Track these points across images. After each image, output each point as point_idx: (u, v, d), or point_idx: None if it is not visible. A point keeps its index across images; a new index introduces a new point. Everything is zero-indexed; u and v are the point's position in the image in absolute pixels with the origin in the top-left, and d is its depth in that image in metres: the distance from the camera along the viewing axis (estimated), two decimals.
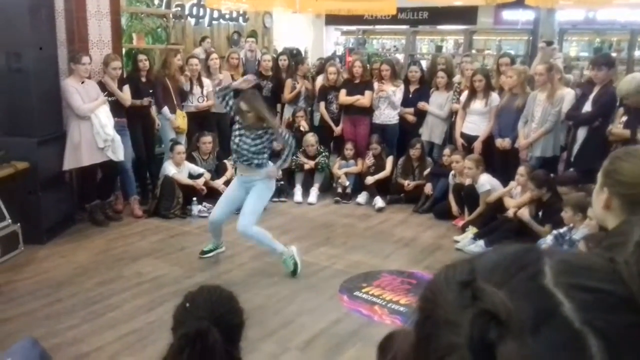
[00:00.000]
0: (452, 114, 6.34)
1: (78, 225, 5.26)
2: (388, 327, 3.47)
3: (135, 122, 5.69)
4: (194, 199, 5.71)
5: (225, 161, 6.23)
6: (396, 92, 6.40)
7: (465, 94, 6.00)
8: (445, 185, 5.95)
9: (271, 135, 4.12)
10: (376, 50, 10.98)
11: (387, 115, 6.45)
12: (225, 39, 10.52)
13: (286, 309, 3.73)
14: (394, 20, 10.90)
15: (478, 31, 10.45)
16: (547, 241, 4.15)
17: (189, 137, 6.30)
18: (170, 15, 8.09)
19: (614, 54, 7.66)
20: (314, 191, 6.40)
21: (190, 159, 5.99)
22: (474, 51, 9.56)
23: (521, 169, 5.10)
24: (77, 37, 5.23)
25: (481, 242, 4.81)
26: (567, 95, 5.33)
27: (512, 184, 5.20)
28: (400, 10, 9.88)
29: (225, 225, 4.47)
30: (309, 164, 6.46)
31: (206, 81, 6.45)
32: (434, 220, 5.79)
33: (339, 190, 6.43)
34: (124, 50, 6.22)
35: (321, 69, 7.50)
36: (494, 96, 5.80)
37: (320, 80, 7.04)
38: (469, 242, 4.91)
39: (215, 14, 10.33)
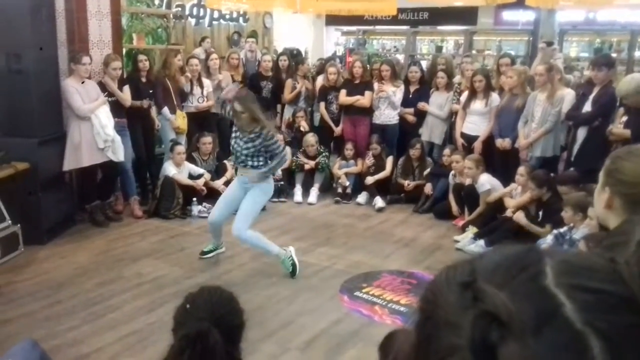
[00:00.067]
0: (452, 114, 6.34)
1: (78, 225, 5.26)
2: (389, 327, 3.46)
3: (136, 123, 5.69)
4: (194, 199, 5.71)
5: (225, 162, 6.23)
6: (396, 93, 6.40)
7: (465, 94, 6.00)
8: (445, 185, 5.95)
9: (265, 139, 4.07)
10: (376, 50, 10.99)
11: (387, 115, 6.45)
12: (225, 39, 10.52)
13: (286, 309, 3.72)
14: (394, 20, 10.90)
15: (478, 32, 10.45)
16: (548, 241, 4.15)
17: (189, 137, 6.30)
18: (171, 16, 8.09)
19: (614, 55, 7.66)
20: (314, 191, 6.40)
21: (190, 159, 5.99)
22: (474, 51, 9.56)
23: (521, 169, 5.10)
24: (78, 37, 5.23)
25: (481, 242, 4.81)
26: (567, 96, 5.34)
27: (513, 185, 5.19)
28: (401, 10, 9.87)
29: (225, 225, 4.48)
30: (309, 164, 6.46)
31: (206, 81, 6.45)
32: (434, 220, 5.79)
33: (339, 190, 6.43)
34: (124, 51, 6.22)
35: (321, 69, 7.50)
36: (494, 96, 5.80)
37: (320, 81, 7.04)
38: (469, 242, 4.91)
39: (216, 14, 10.33)
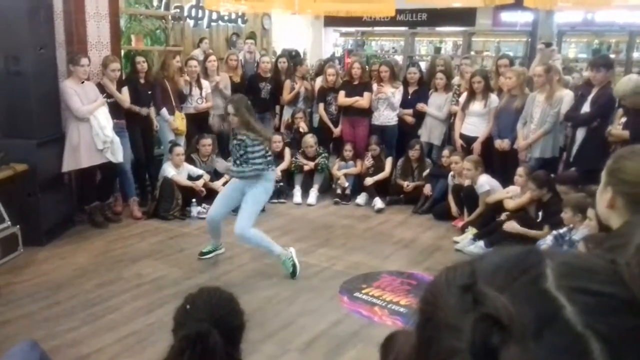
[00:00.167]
0: (451, 115, 6.35)
1: (77, 227, 5.26)
2: (388, 328, 3.47)
3: (134, 124, 5.69)
4: (193, 200, 5.71)
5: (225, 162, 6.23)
6: (395, 94, 6.41)
7: (464, 95, 6.00)
8: (445, 186, 5.95)
9: (248, 145, 4.03)
10: (375, 51, 10.99)
11: (386, 116, 6.46)
12: (224, 41, 10.52)
13: (286, 310, 3.72)
14: (392, 21, 10.90)
15: (477, 33, 10.45)
16: (547, 242, 4.15)
17: (188, 138, 6.30)
18: (169, 17, 8.08)
19: (612, 56, 7.67)
20: (314, 192, 6.40)
21: (190, 160, 5.99)
22: (472, 53, 9.56)
23: (520, 170, 5.11)
24: (76, 39, 5.23)
25: (481, 243, 4.81)
26: (566, 97, 5.34)
27: (511, 188, 5.20)
28: (399, 11, 9.87)
29: (224, 226, 4.47)
30: (308, 165, 6.46)
31: (205, 83, 6.45)
32: (434, 221, 5.79)
33: (339, 191, 6.43)
34: (122, 52, 6.21)
35: (320, 70, 7.50)
36: (493, 97, 5.81)
37: (319, 82, 7.04)
38: (468, 243, 4.91)
39: (214, 16, 10.32)
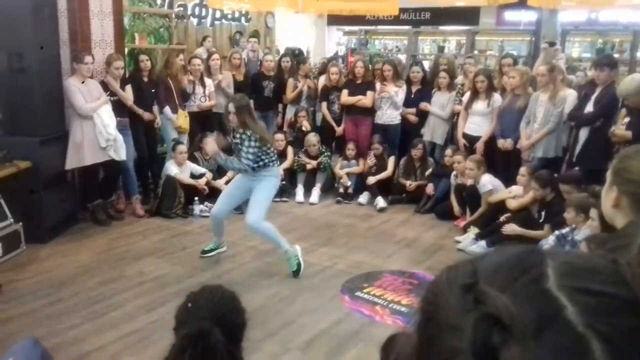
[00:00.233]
0: (454, 114, 6.34)
1: (80, 224, 5.27)
2: (389, 327, 3.47)
3: (138, 122, 5.69)
4: (196, 198, 5.72)
5: None
6: (398, 93, 6.40)
7: (467, 94, 5.99)
8: (447, 185, 5.94)
9: (250, 141, 4.03)
10: (378, 50, 10.99)
11: (389, 115, 6.45)
12: (227, 39, 10.52)
13: (287, 309, 3.73)
14: (396, 20, 10.88)
15: (480, 32, 10.44)
16: (549, 242, 4.14)
17: (191, 137, 6.30)
18: (173, 15, 8.08)
19: (616, 55, 7.65)
20: (316, 191, 6.40)
21: (192, 158, 5.99)
22: (476, 52, 9.55)
23: (522, 170, 5.10)
24: (80, 37, 5.24)
25: (483, 243, 4.80)
26: (569, 96, 5.33)
27: (513, 188, 5.19)
28: (403, 10, 9.85)
29: (227, 225, 4.48)
30: (311, 164, 6.46)
31: (208, 81, 6.46)
32: (436, 220, 5.79)
33: (341, 190, 6.43)
34: (126, 50, 6.22)
35: (323, 69, 7.50)
36: (497, 97, 5.80)
37: (322, 81, 7.04)
38: (470, 243, 4.91)
39: (218, 14, 10.33)
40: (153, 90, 5.86)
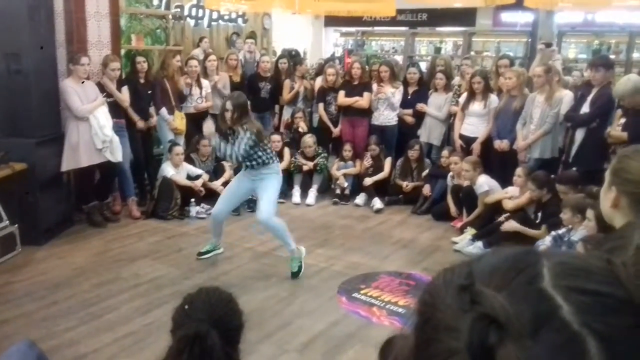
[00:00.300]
0: (451, 115, 6.35)
1: (76, 226, 5.26)
2: (386, 328, 3.47)
3: (134, 123, 5.68)
4: (192, 200, 5.71)
5: (223, 162, 6.22)
6: (395, 94, 6.41)
7: (464, 95, 6.00)
8: (444, 186, 5.95)
9: (246, 135, 4.03)
10: (375, 51, 10.99)
11: (386, 116, 6.46)
12: (224, 40, 10.51)
13: (285, 310, 3.72)
14: (393, 21, 10.90)
15: (477, 33, 10.45)
16: (546, 242, 4.15)
17: (187, 138, 6.30)
18: (170, 16, 8.08)
19: (612, 56, 7.67)
20: (313, 192, 6.40)
21: (189, 160, 5.98)
22: (472, 53, 9.56)
23: (518, 170, 5.11)
24: (76, 38, 5.23)
25: (479, 244, 4.80)
26: (566, 97, 5.34)
27: (509, 189, 5.20)
28: (399, 11, 9.86)
29: (225, 226, 4.47)
30: (307, 165, 6.46)
31: (205, 82, 6.45)
32: (433, 221, 5.79)
33: (338, 191, 6.43)
34: (122, 51, 6.21)
35: (320, 70, 7.50)
36: (493, 98, 5.81)
37: (319, 82, 7.04)
38: (467, 244, 4.91)
39: (215, 15, 10.31)
40: (149, 92, 5.86)
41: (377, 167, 6.40)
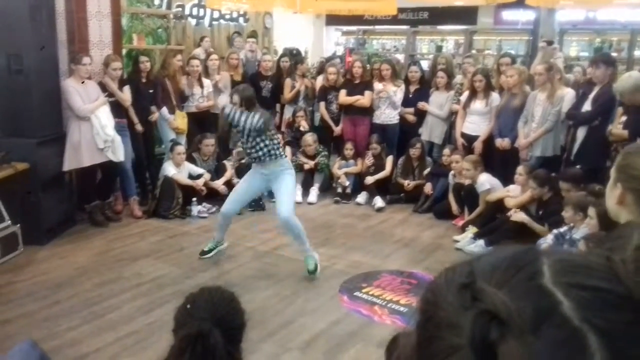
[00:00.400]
0: (452, 113, 6.34)
1: (78, 226, 5.26)
2: (388, 327, 3.47)
3: (135, 123, 5.68)
4: (194, 199, 5.71)
5: (224, 162, 6.23)
6: (397, 92, 6.41)
7: (465, 94, 6.00)
8: (445, 185, 5.95)
9: (256, 116, 4.03)
10: (376, 50, 10.98)
11: (387, 115, 6.46)
12: (225, 39, 10.51)
13: (286, 309, 3.73)
14: (394, 20, 10.89)
15: (478, 31, 10.45)
16: (548, 240, 4.15)
17: (189, 137, 6.30)
18: (171, 16, 8.08)
19: (614, 54, 7.66)
20: (314, 191, 6.40)
21: (190, 159, 5.99)
22: (474, 51, 9.55)
23: (520, 169, 5.11)
24: (78, 38, 5.23)
25: (481, 242, 4.80)
26: (567, 95, 5.34)
27: (510, 187, 5.19)
28: (401, 10, 9.85)
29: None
30: (308, 164, 6.46)
31: (206, 81, 6.46)
32: (434, 220, 5.79)
33: (339, 190, 6.43)
34: (124, 51, 6.22)
35: (322, 69, 7.50)
36: (495, 96, 5.81)
37: (320, 80, 7.04)
38: (468, 242, 4.91)
39: (216, 15, 10.31)
40: (151, 91, 5.86)
41: (379, 166, 6.40)
